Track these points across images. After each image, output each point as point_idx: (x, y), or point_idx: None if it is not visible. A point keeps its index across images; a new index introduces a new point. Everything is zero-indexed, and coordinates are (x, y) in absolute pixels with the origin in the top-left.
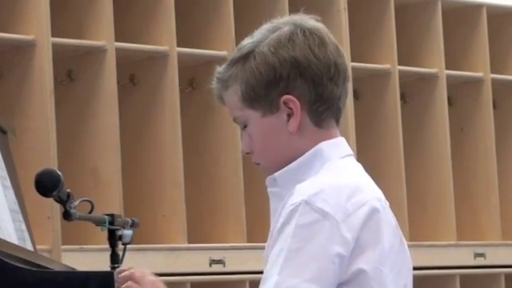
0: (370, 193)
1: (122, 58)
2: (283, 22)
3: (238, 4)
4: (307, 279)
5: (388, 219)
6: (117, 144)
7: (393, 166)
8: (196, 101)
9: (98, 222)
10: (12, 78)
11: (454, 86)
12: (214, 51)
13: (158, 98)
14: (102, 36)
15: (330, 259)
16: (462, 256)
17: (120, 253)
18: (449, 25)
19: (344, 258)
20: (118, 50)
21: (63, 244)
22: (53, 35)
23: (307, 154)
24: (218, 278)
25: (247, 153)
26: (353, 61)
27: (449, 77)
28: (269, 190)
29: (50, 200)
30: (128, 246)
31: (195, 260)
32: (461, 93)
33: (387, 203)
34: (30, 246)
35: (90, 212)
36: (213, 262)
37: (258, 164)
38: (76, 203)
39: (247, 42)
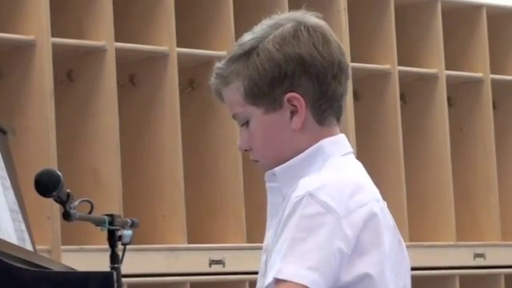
0: (370, 193)
1: (122, 58)
2: (285, 18)
3: (237, 4)
4: (309, 267)
5: (386, 220)
6: (117, 144)
7: (393, 166)
8: (196, 101)
9: (98, 223)
10: (12, 78)
11: (454, 86)
12: (213, 51)
13: (158, 98)
14: (102, 36)
15: (332, 252)
16: (462, 256)
17: (120, 253)
18: (449, 25)
19: (345, 256)
20: (117, 50)
21: (63, 244)
22: (53, 35)
23: (308, 150)
24: (218, 278)
25: (245, 150)
26: (353, 61)
27: (449, 77)
28: (267, 184)
29: (50, 200)
30: (128, 247)
31: (195, 260)
32: (461, 93)
33: (385, 203)
34: (29, 246)
35: (90, 212)
36: (212, 262)
37: (257, 161)
38: (76, 203)
39: (248, 37)
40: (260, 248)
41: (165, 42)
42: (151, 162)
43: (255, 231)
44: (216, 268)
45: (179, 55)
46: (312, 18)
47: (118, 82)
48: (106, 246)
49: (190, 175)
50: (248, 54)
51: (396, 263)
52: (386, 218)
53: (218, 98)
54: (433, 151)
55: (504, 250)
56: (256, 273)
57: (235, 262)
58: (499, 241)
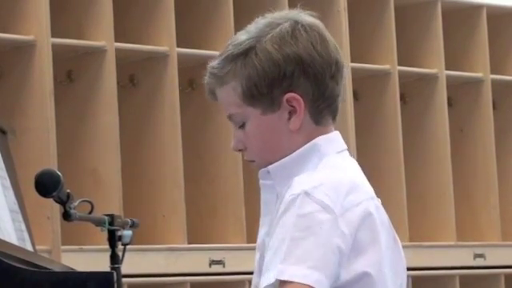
0: (365, 192)
1: (122, 58)
2: (280, 17)
3: (237, 4)
4: (310, 266)
5: (382, 218)
6: (117, 144)
7: (393, 166)
8: (196, 101)
9: (98, 223)
10: (12, 78)
11: (454, 86)
12: (214, 51)
13: (158, 99)
14: (102, 36)
15: (332, 249)
16: (462, 256)
17: (120, 253)
18: (449, 25)
19: (343, 254)
20: (117, 50)
21: (63, 244)
22: (53, 35)
23: (303, 148)
24: (218, 278)
25: (239, 150)
26: (353, 61)
27: (448, 77)
28: (261, 182)
29: (50, 200)
30: (128, 247)
31: (195, 260)
32: (461, 93)
33: (379, 201)
34: (29, 247)
35: (90, 212)
36: (212, 262)
37: (252, 161)
38: (76, 203)
39: (244, 37)
40: None
41: (165, 42)
42: (151, 162)
43: (255, 231)
44: (216, 268)
45: (179, 55)
46: (307, 17)
47: (117, 83)
48: (106, 246)
49: (190, 175)
50: (245, 53)
51: (393, 261)
52: (382, 216)
53: (211, 98)
54: (433, 151)
55: (504, 250)
56: None
57: (235, 262)
58: (499, 241)
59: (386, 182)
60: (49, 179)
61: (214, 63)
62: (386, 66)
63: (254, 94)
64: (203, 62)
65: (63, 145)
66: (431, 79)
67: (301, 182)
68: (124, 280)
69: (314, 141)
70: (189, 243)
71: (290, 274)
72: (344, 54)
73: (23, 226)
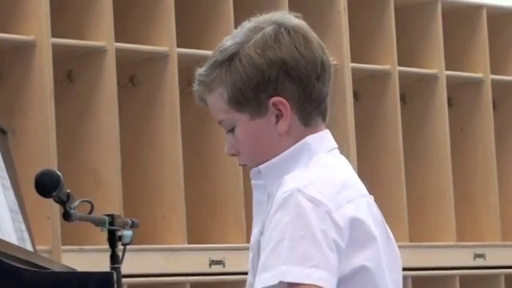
0: (357, 190)
1: (122, 58)
2: (264, 20)
3: (237, 4)
4: (313, 265)
5: (374, 215)
6: (117, 144)
7: (393, 166)
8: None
9: (98, 223)
10: (12, 78)
11: (454, 86)
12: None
13: (158, 99)
14: (102, 36)
15: (329, 245)
16: (462, 257)
17: (120, 253)
18: (449, 25)
19: (340, 248)
20: (117, 50)
21: (63, 244)
22: (53, 35)
23: (293, 147)
24: (218, 278)
25: (232, 154)
26: (353, 61)
27: (449, 77)
28: (253, 182)
29: (50, 200)
30: (128, 247)
31: (195, 260)
32: (461, 93)
33: (372, 198)
34: (29, 247)
35: (90, 212)
36: (212, 262)
37: (246, 165)
38: (76, 204)
39: (229, 42)
40: None
41: (165, 42)
42: (151, 162)
43: None
44: (216, 268)
45: (179, 55)
46: (292, 19)
47: (118, 83)
48: (106, 246)
49: (190, 175)
50: (230, 60)
51: (388, 257)
52: (374, 213)
53: (202, 104)
54: (433, 151)
55: (504, 250)
56: None
57: (235, 262)
58: (499, 241)
59: (386, 181)
60: (49, 179)
61: (201, 70)
62: (386, 67)
63: (239, 100)
64: (203, 62)
65: (63, 145)
66: (431, 79)
67: (291, 181)
68: (124, 280)
69: (304, 140)
70: (189, 243)
71: (295, 275)
72: (344, 54)
73: (23, 226)
